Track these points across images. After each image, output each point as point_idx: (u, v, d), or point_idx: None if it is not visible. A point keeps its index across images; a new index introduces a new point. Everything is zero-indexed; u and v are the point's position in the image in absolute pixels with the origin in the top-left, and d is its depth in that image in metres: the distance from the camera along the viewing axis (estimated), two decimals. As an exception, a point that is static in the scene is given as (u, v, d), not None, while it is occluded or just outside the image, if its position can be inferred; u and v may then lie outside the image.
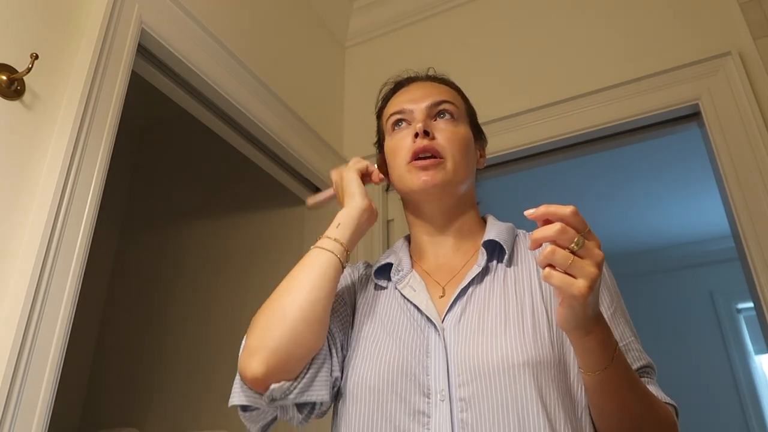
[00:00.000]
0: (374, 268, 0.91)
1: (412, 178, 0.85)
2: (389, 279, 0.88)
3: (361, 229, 0.86)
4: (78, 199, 1.01)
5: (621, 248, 3.76)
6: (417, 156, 0.84)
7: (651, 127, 1.59)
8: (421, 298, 0.82)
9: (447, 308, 0.79)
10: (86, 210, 1.03)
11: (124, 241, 2.35)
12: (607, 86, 1.61)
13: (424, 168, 0.84)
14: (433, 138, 0.85)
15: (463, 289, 0.80)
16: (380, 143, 0.98)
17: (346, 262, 0.82)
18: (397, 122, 0.91)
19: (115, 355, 2.13)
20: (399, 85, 0.98)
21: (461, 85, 1.00)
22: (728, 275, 3.38)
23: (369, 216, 0.87)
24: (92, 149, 1.06)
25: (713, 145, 1.43)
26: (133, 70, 1.21)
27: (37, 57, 0.96)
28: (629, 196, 3.12)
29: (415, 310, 0.81)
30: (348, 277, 0.94)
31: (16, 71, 0.96)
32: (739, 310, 3.56)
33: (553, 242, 0.58)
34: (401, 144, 0.87)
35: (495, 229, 0.87)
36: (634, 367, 0.77)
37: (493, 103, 1.75)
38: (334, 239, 0.81)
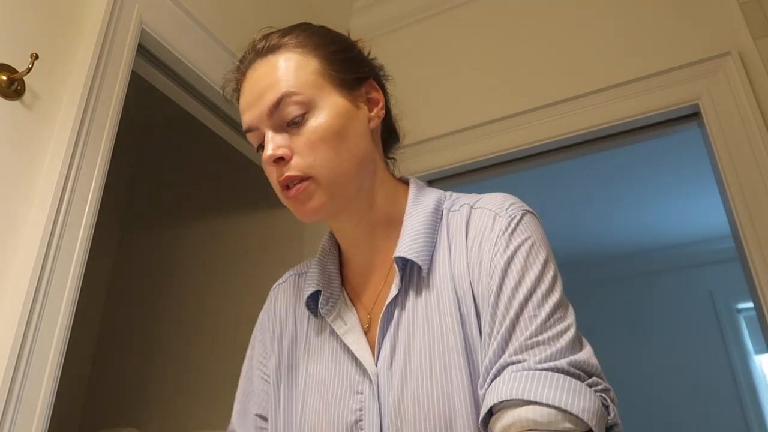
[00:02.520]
0: (305, 291, 0.75)
1: (291, 209, 0.70)
2: (319, 306, 0.74)
3: None
4: (78, 199, 1.01)
5: (621, 248, 3.76)
6: (286, 186, 0.68)
7: (651, 127, 1.59)
8: (354, 337, 0.70)
9: (378, 347, 0.67)
10: (86, 210, 1.03)
11: (124, 241, 2.35)
12: (607, 86, 1.61)
13: (295, 201, 0.68)
14: (291, 157, 0.67)
15: (387, 319, 0.68)
16: None
17: None
18: (254, 141, 0.72)
19: (115, 355, 2.13)
20: (238, 80, 0.76)
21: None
22: (728, 275, 3.39)
23: None
24: (92, 149, 1.06)
25: (713, 145, 1.43)
26: (133, 70, 1.21)
27: (37, 57, 0.96)
28: (629, 196, 3.12)
29: (345, 353, 0.70)
30: (267, 322, 0.82)
31: (16, 71, 0.96)
32: (739, 310, 3.56)
33: None
34: (267, 169, 0.70)
35: (410, 234, 0.70)
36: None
37: (494, 103, 1.75)
38: None
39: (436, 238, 0.70)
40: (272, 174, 0.68)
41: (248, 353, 0.83)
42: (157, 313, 2.11)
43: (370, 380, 0.66)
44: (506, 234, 0.64)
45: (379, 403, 0.64)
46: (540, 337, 0.57)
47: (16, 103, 0.97)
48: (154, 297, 2.15)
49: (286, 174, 0.66)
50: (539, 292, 0.60)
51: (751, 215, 1.33)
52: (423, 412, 0.61)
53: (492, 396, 0.55)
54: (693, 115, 1.53)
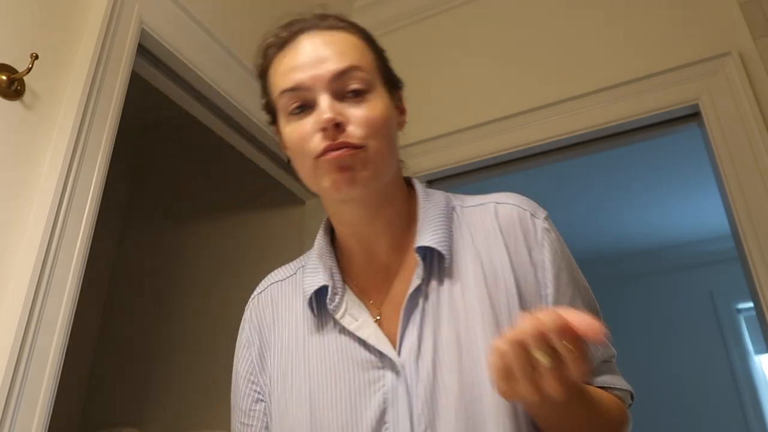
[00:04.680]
0: (309, 288, 0.73)
1: (325, 176, 0.67)
2: (323, 305, 0.73)
3: None
4: (78, 199, 1.01)
5: (621, 248, 3.75)
6: (329, 148, 0.66)
7: (651, 127, 1.59)
8: (370, 331, 0.69)
9: (400, 339, 0.67)
10: (86, 210, 1.03)
11: (124, 241, 2.35)
12: (607, 86, 1.61)
13: (339, 165, 0.66)
14: (345, 128, 0.66)
15: (410, 310, 0.68)
16: (270, 111, 0.76)
17: None
18: (294, 102, 0.69)
19: (115, 355, 2.12)
20: (285, 40, 0.73)
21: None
22: (728, 275, 3.38)
23: None
24: (92, 149, 1.06)
25: (713, 145, 1.43)
26: (133, 70, 1.21)
27: (37, 57, 0.96)
28: (629, 196, 3.12)
29: (359, 347, 0.68)
30: (250, 335, 0.81)
31: (16, 71, 0.96)
32: (739, 310, 3.56)
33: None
34: (305, 135, 0.67)
35: (430, 226, 0.71)
36: (600, 359, 0.73)
37: (493, 103, 1.75)
38: None
39: (452, 231, 0.73)
40: (313, 138, 0.66)
41: (233, 372, 0.81)
42: (157, 313, 2.11)
43: (395, 372, 0.65)
44: (546, 232, 0.73)
45: (408, 395, 0.64)
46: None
47: (16, 103, 0.97)
48: (155, 297, 2.15)
49: (341, 140, 0.65)
50: (584, 283, 0.75)
51: (751, 215, 1.34)
52: (454, 402, 0.62)
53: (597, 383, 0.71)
54: (693, 115, 1.53)
